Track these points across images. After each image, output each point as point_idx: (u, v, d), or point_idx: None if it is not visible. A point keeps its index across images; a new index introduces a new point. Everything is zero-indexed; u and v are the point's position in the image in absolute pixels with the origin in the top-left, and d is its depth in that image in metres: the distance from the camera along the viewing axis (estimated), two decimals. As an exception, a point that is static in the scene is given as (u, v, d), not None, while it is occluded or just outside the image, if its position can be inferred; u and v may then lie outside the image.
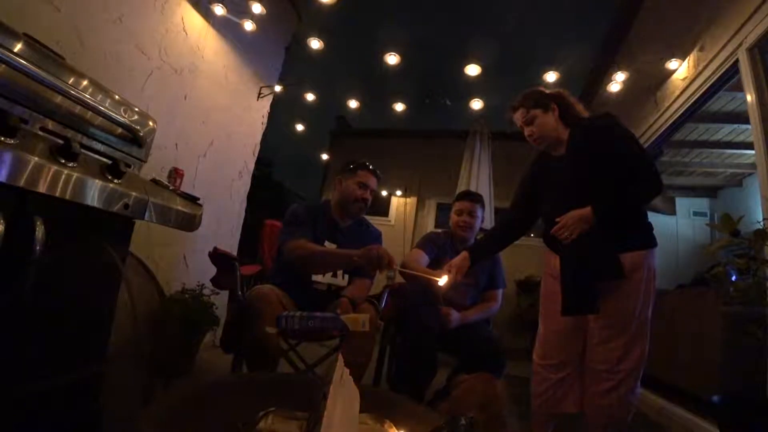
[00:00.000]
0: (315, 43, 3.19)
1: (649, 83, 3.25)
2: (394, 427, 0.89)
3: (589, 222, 1.35)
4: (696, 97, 2.68)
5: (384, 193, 6.30)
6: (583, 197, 1.37)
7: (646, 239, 1.43)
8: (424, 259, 2.03)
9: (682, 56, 2.82)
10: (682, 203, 5.45)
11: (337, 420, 0.74)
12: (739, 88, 2.26)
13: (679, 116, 2.91)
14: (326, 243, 1.85)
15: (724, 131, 3.83)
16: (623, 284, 1.37)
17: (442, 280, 1.54)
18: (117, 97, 1.23)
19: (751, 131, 2.12)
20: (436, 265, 2.04)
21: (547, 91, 1.58)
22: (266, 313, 1.46)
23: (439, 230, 2.33)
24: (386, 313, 1.89)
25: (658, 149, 3.50)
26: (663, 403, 2.62)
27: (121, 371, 1.06)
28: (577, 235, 1.37)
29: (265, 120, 3.46)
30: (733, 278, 1.54)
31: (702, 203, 5.44)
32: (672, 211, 5.36)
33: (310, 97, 3.91)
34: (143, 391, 1.03)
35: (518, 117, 1.58)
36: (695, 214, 5.38)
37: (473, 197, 2.17)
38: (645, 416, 2.67)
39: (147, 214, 1.25)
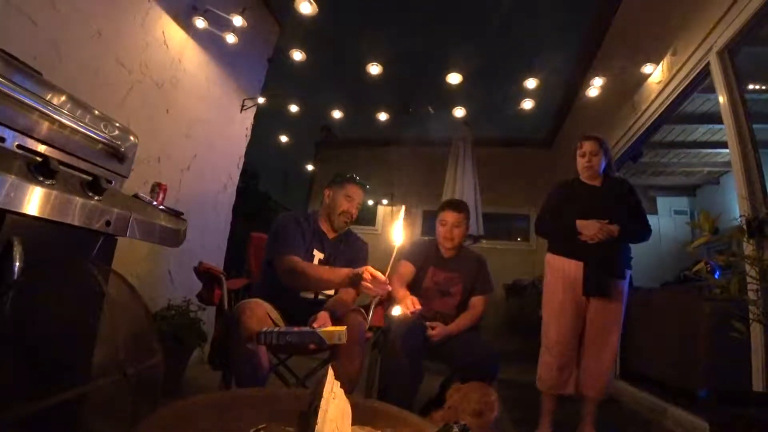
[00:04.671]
0: (297, 55, 3.20)
1: (626, 88, 3.35)
2: None
3: (613, 236, 1.93)
4: (671, 99, 2.76)
5: (370, 202, 6.30)
6: (605, 218, 1.95)
7: (629, 262, 2.07)
8: (411, 271, 2.07)
9: (657, 61, 2.91)
10: (663, 202, 5.61)
11: None
12: (712, 89, 2.34)
13: (656, 118, 2.99)
14: (315, 252, 1.84)
15: (700, 131, 3.96)
16: (618, 288, 1.98)
17: (396, 311, 1.68)
18: (97, 112, 1.21)
19: (725, 131, 2.19)
20: (421, 273, 2.07)
21: (609, 147, 2.18)
22: (250, 328, 1.44)
23: (426, 238, 2.32)
24: (375, 323, 1.88)
25: (637, 151, 3.59)
26: (653, 399, 2.65)
27: (106, 393, 1.03)
28: (599, 241, 1.93)
29: (249, 132, 3.44)
30: (716, 275, 1.58)
31: (682, 202, 5.61)
32: (653, 211, 5.50)
33: (294, 108, 3.91)
34: (129, 412, 1.00)
35: (589, 145, 2.10)
36: (676, 212, 5.54)
37: (458, 207, 2.14)
38: (636, 413, 2.70)
39: (129, 231, 1.23)
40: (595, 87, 3.33)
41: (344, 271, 1.62)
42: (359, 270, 1.55)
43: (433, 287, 2.04)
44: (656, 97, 2.91)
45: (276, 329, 1.44)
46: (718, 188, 5.07)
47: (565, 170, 2.27)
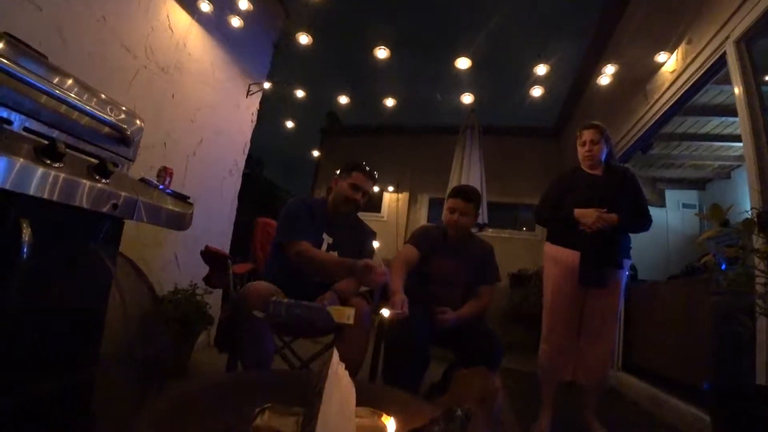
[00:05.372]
0: (303, 39, 3.15)
1: (639, 76, 3.28)
2: (390, 420, 0.88)
3: (612, 225, 1.91)
4: (684, 89, 2.70)
5: (376, 189, 6.29)
6: (604, 208, 1.94)
7: (629, 251, 2.07)
8: (415, 255, 1.99)
9: (671, 50, 2.84)
10: (671, 195, 5.53)
11: (334, 414, 0.74)
12: (727, 80, 2.28)
13: (668, 109, 2.93)
14: (324, 236, 1.86)
15: (713, 124, 3.88)
16: (616, 278, 1.99)
17: (384, 312, 1.64)
18: (103, 96, 1.21)
19: (739, 123, 2.15)
20: (426, 260, 2.02)
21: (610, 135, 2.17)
22: (258, 299, 1.45)
23: (433, 224, 2.28)
24: (380, 308, 1.89)
25: (647, 142, 3.53)
26: (655, 392, 2.65)
27: (114, 375, 1.05)
28: (597, 230, 1.91)
29: (255, 117, 3.42)
30: (723, 267, 1.57)
31: (691, 195, 5.52)
32: (661, 203, 5.43)
33: (299, 93, 3.87)
34: (137, 395, 1.02)
35: (589, 134, 2.10)
36: (684, 206, 5.46)
37: (467, 196, 2.04)
38: (638, 405, 2.71)
39: (137, 214, 1.23)
40: (606, 75, 3.27)
41: (347, 262, 1.63)
42: (359, 262, 1.56)
43: (437, 275, 2.02)
44: (669, 86, 2.85)
45: (285, 300, 1.42)
46: (729, 183, 4.99)
47: (573, 161, 2.24)
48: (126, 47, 2.09)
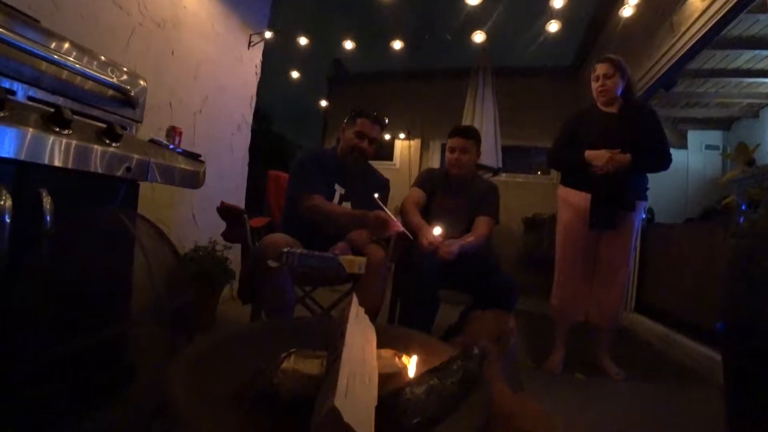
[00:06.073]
0: (304, -19, 2.97)
1: (665, 6, 3.02)
2: (410, 360, 0.93)
3: (624, 166, 1.85)
4: (716, 19, 2.46)
5: (387, 136, 6.17)
6: (618, 148, 1.86)
7: (645, 193, 2.03)
8: (421, 196, 2.06)
9: (703, -27, 2.58)
10: (694, 137, 5.28)
11: (356, 354, 0.78)
12: (763, 9, 2.09)
13: (697, 42, 2.71)
14: (336, 186, 1.87)
15: (744, 58, 3.60)
16: (628, 221, 1.96)
17: (436, 230, 1.74)
18: (102, 58, 1.18)
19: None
20: (430, 200, 2.07)
21: (627, 69, 2.03)
22: (274, 248, 1.49)
23: (437, 168, 2.31)
24: (395, 255, 1.94)
25: (671, 79, 3.32)
26: (667, 332, 2.71)
27: (146, 330, 1.12)
28: (608, 171, 1.85)
29: (259, 70, 3.32)
30: (743, 208, 1.53)
31: (715, 136, 5.26)
32: (683, 145, 5.21)
33: (303, 41, 3.71)
34: (168, 347, 1.09)
35: (602, 68, 2.00)
36: (707, 147, 5.23)
37: (465, 133, 2.06)
38: (649, 344, 2.79)
39: (150, 175, 1.25)
40: (629, 6, 3.02)
41: (358, 214, 1.66)
42: (370, 214, 1.58)
43: (441, 214, 2.03)
44: (699, 16, 2.62)
45: (298, 251, 1.47)
46: (757, 122, 4.71)
47: (591, 100, 2.13)
48: (118, 5, 2.00)
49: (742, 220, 1.40)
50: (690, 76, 3.90)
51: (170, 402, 0.65)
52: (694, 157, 5.16)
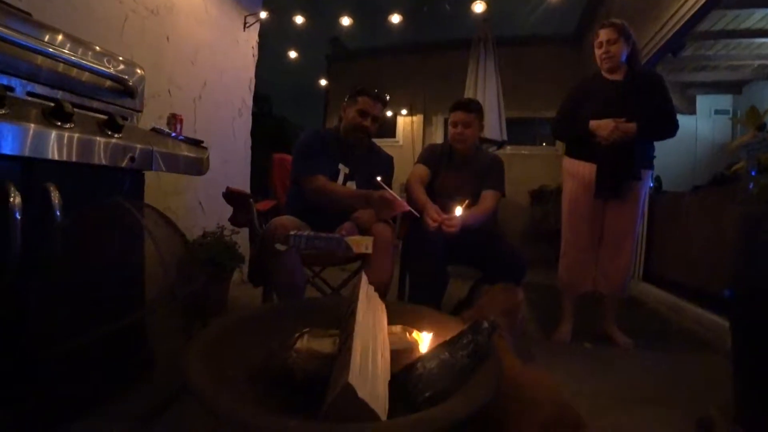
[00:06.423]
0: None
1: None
2: (421, 335, 0.95)
3: (629, 135, 1.82)
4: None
5: (389, 113, 6.09)
6: (623, 116, 1.82)
7: (651, 161, 2.00)
8: (426, 172, 2.04)
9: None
10: (703, 101, 5.14)
11: (368, 332, 0.80)
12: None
13: (707, 1, 2.60)
14: (340, 166, 1.86)
15: (756, 17, 3.46)
16: (634, 190, 1.92)
17: (457, 211, 1.72)
18: (98, 48, 1.17)
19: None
20: (434, 176, 2.06)
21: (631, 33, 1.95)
22: (281, 231, 1.51)
23: (439, 143, 2.26)
24: (403, 233, 1.95)
25: (679, 43, 3.21)
26: (675, 299, 2.72)
27: (162, 316, 1.15)
28: (612, 141, 1.83)
29: (256, 52, 3.26)
30: (753, 174, 1.50)
31: (725, 100, 5.12)
32: (692, 111, 5.08)
33: (299, 20, 3.63)
34: (184, 332, 1.12)
35: (605, 33, 1.92)
36: (717, 112, 5.10)
37: (467, 107, 2.01)
38: (657, 313, 2.81)
39: (155, 164, 1.26)
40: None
41: (363, 194, 1.66)
42: (374, 194, 1.58)
43: (445, 189, 2.03)
44: (708, -26, 2.51)
45: (305, 233, 1.48)
46: (768, 85, 4.58)
47: (595, 69, 2.08)
48: (109, -9, 1.97)
49: (751, 186, 1.37)
50: (699, 39, 3.77)
51: (189, 384, 0.68)
52: (703, 122, 5.04)
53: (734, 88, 5.02)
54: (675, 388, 1.57)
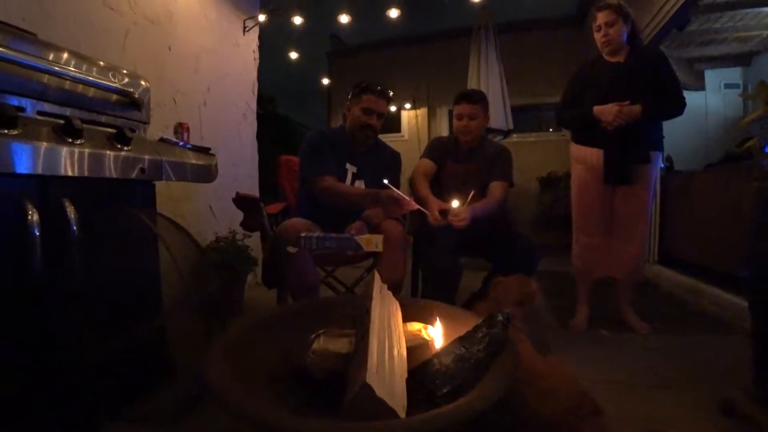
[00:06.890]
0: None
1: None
2: (436, 330, 0.96)
3: (634, 118, 1.77)
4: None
5: (393, 108, 6.07)
6: (628, 99, 1.78)
7: (660, 142, 1.98)
8: (430, 166, 2.03)
9: None
10: (711, 76, 4.99)
11: (383, 330, 0.81)
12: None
13: None
14: (347, 165, 1.86)
15: None
16: (644, 174, 1.90)
17: (454, 203, 1.69)
18: (102, 63, 1.19)
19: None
20: (442, 169, 2.04)
21: (630, 11, 1.89)
22: (291, 234, 1.52)
23: (445, 135, 2.24)
24: (413, 228, 1.95)
25: (684, 17, 3.14)
26: (692, 281, 2.68)
27: (180, 322, 1.17)
28: (618, 125, 1.79)
29: (257, 55, 3.27)
30: (766, 150, 1.47)
31: (734, 74, 4.97)
32: (700, 86, 4.96)
33: (298, 20, 3.63)
34: (204, 335, 1.15)
35: (603, 16, 1.87)
36: (726, 86, 4.94)
37: (471, 98, 1.99)
38: (673, 295, 2.77)
39: (164, 174, 1.28)
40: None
41: (371, 193, 1.65)
42: (382, 193, 1.58)
43: (450, 181, 2.01)
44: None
45: (315, 234, 1.49)
46: (779, 55, 4.43)
47: (597, 52, 2.04)
48: (109, 6, 1.98)
49: (765, 162, 1.35)
50: (704, 12, 3.67)
51: (212, 387, 0.69)
52: (713, 97, 4.91)
53: (743, 60, 4.87)
54: (694, 371, 1.56)
